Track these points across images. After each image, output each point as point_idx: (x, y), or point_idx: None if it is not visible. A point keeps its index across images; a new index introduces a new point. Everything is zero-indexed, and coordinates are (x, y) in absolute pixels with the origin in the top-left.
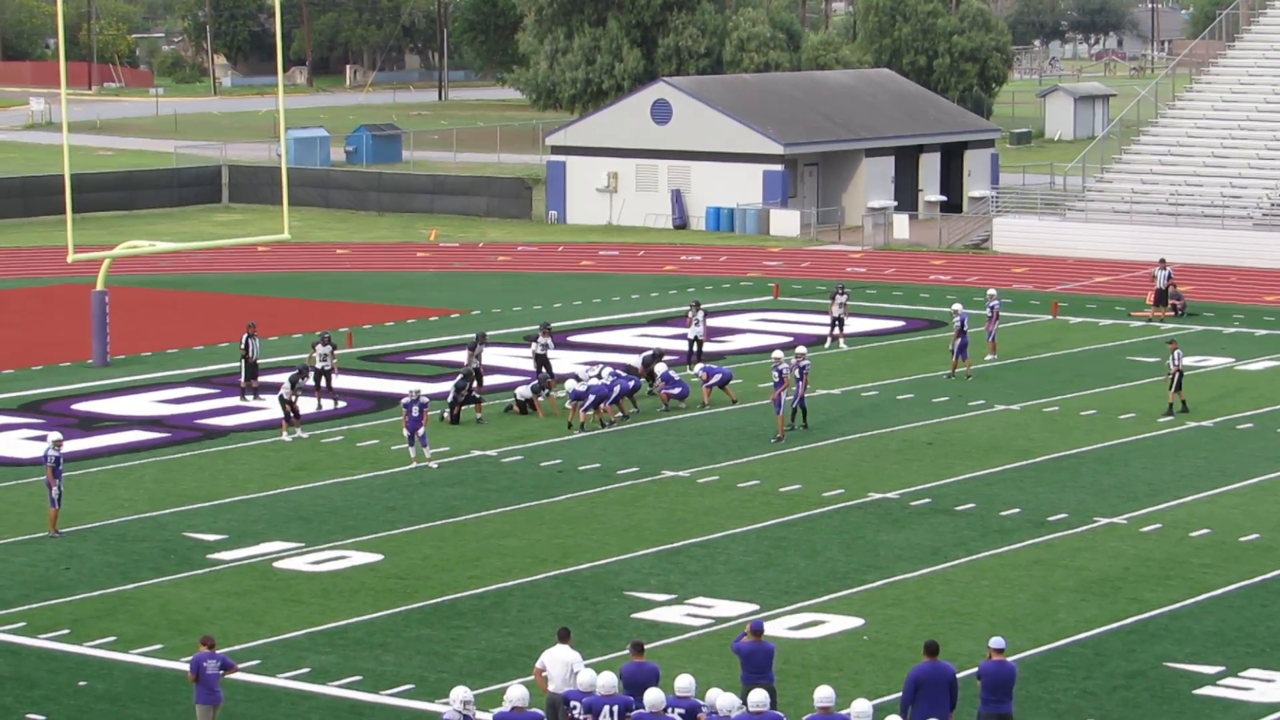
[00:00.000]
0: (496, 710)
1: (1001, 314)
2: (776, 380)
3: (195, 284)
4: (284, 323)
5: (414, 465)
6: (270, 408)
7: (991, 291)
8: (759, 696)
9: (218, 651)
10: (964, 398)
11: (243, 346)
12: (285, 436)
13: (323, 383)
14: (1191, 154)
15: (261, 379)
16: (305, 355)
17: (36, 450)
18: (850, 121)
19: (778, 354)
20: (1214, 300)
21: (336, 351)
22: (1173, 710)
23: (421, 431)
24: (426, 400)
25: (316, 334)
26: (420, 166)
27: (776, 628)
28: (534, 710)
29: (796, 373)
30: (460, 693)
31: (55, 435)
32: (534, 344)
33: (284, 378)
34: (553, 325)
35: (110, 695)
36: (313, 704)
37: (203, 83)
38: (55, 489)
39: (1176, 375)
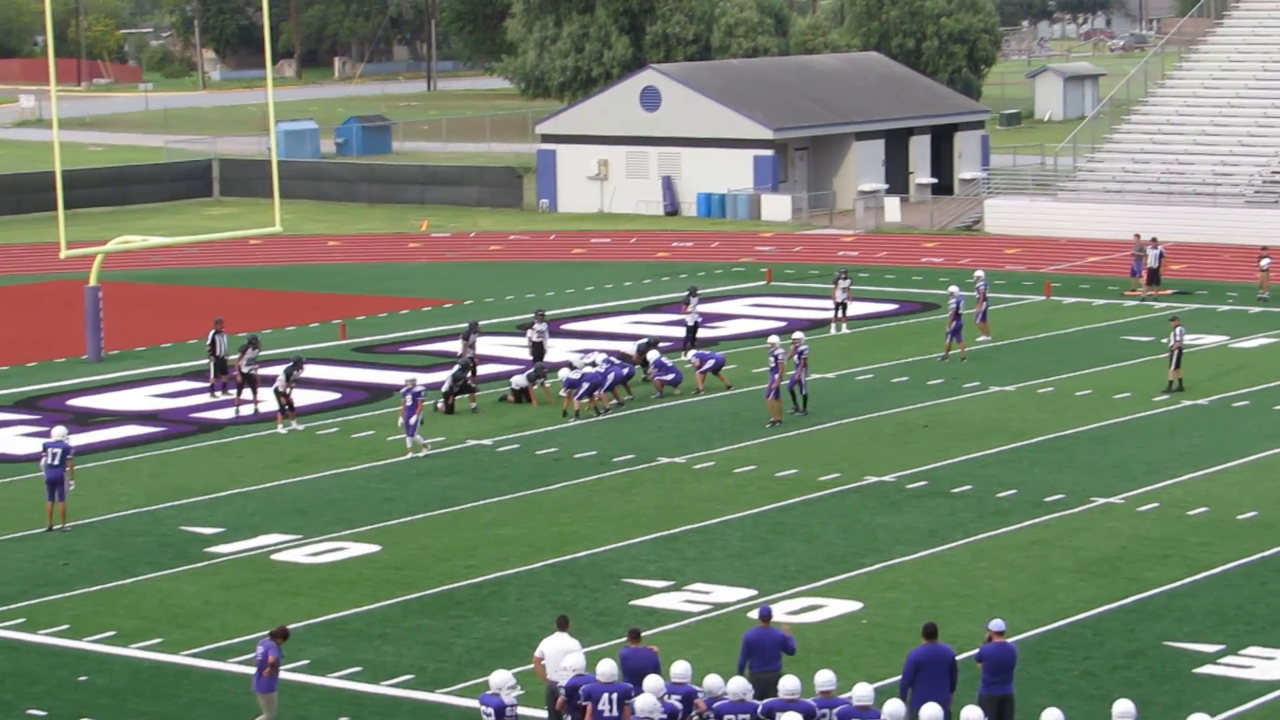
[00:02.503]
0: (483, 694)
1: (993, 295)
2: (772, 366)
3: (188, 278)
4: (277, 316)
5: (409, 456)
6: (265, 400)
7: (978, 273)
8: (791, 684)
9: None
10: (959, 380)
11: (209, 343)
12: (281, 429)
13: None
14: (1182, 132)
15: (263, 371)
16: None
17: (33, 446)
18: (840, 105)
19: (773, 339)
20: (1207, 278)
21: (262, 354)
22: (1173, 689)
23: (414, 421)
24: (421, 390)
25: (244, 336)
26: (410, 157)
27: (775, 613)
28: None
29: (795, 358)
30: (502, 677)
31: (62, 428)
32: (530, 331)
33: (279, 370)
34: (546, 313)
35: (111, 690)
36: (313, 695)
37: (191, 77)
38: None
39: (1177, 352)
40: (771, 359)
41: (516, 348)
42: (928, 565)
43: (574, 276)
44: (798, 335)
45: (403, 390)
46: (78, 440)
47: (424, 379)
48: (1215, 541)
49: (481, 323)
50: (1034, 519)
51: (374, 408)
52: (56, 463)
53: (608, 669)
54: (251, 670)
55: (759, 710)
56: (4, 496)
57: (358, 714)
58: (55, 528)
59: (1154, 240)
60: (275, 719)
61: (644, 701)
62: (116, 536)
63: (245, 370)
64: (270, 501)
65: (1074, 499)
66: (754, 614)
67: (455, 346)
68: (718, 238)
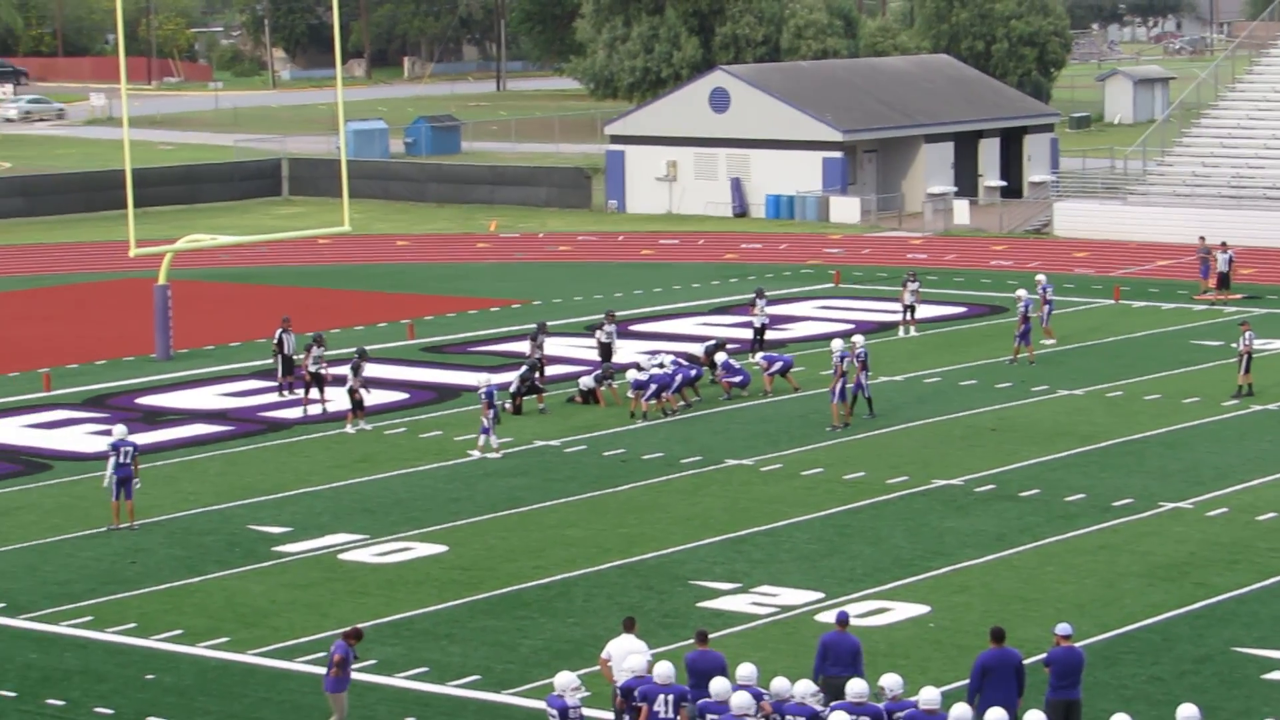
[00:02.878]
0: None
1: (1062, 299)
2: (836, 370)
3: (256, 277)
4: (345, 315)
5: (479, 455)
6: (333, 400)
7: (1040, 277)
8: (858, 687)
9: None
10: (1027, 383)
11: (276, 342)
12: (350, 428)
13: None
14: (1253, 136)
15: (330, 371)
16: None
17: (100, 444)
18: (909, 107)
19: (836, 343)
20: (1277, 283)
21: (328, 353)
22: (1241, 695)
23: (487, 421)
24: (494, 389)
25: (310, 336)
26: (479, 157)
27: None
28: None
29: (855, 362)
30: (567, 678)
31: (123, 427)
32: (598, 332)
33: (346, 369)
34: (615, 314)
35: (177, 688)
36: (379, 695)
37: (261, 76)
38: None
39: (1246, 356)
40: (835, 362)
41: (584, 348)
42: (995, 569)
43: (642, 278)
44: (856, 339)
45: (481, 390)
46: (147, 439)
47: (495, 379)
48: None
49: (549, 323)
50: (1102, 523)
51: (442, 408)
52: (128, 460)
53: (665, 670)
54: (320, 670)
55: (824, 713)
56: (72, 494)
57: (424, 714)
58: (122, 526)
59: (1223, 244)
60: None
61: (739, 699)
62: (184, 535)
63: (312, 369)
64: (338, 501)
65: (1142, 503)
66: (830, 617)
67: (523, 347)
68: (786, 239)
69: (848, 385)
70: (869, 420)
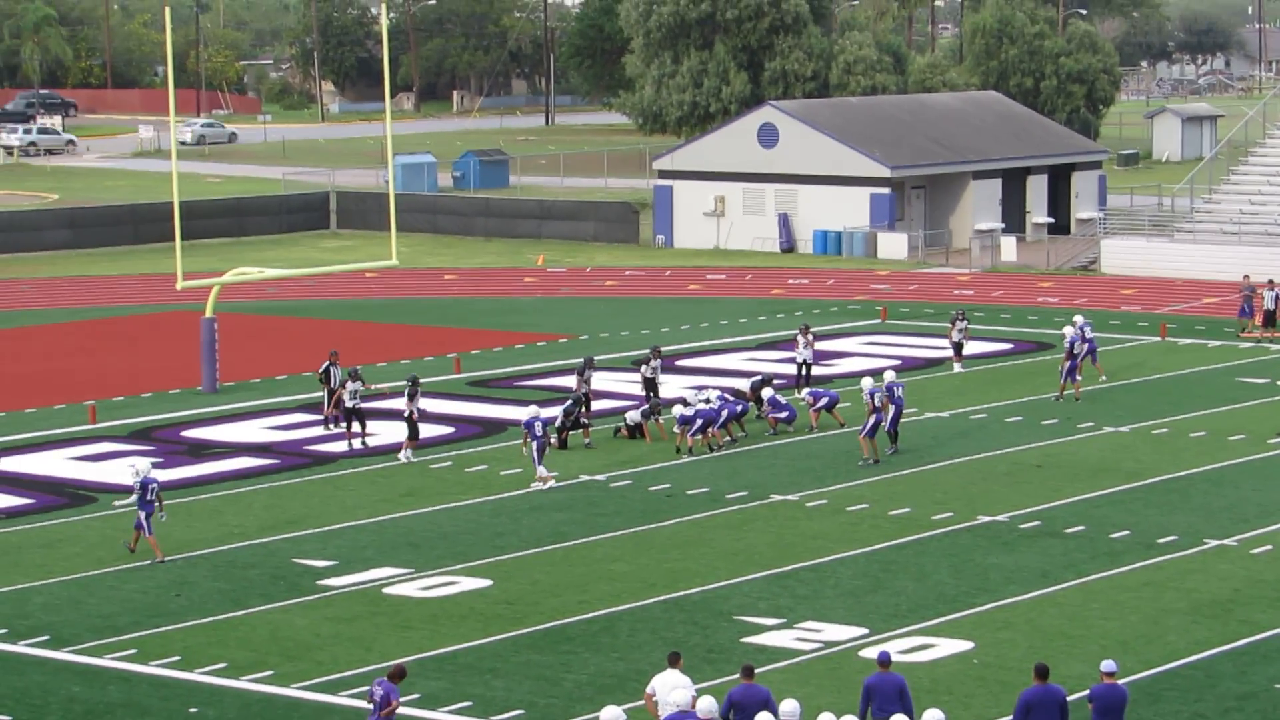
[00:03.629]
0: None
1: (1108, 335)
2: (871, 407)
3: (304, 310)
4: (392, 349)
5: (540, 486)
6: (376, 434)
7: (1077, 318)
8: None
9: (387, 680)
10: (1073, 420)
11: (322, 375)
12: (402, 457)
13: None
14: None
15: (367, 405)
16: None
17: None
18: (957, 144)
19: (866, 381)
20: None
21: (365, 386)
22: None
23: (534, 451)
24: (535, 421)
25: (345, 370)
26: (527, 191)
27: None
28: None
29: (887, 397)
30: (613, 713)
31: (143, 462)
32: (644, 367)
33: (401, 402)
34: (661, 349)
35: None
36: None
37: (310, 109)
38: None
39: None
40: (867, 399)
41: (630, 383)
42: (1039, 605)
43: (689, 312)
44: (888, 374)
45: (527, 420)
46: (192, 472)
47: (542, 413)
48: None
49: (596, 358)
50: (1146, 560)
51: (487, 441)
52: (152, 497)
53: (707, 705)
54: (365, 706)
55: None
56: (117, 527)
57: None
58: (148, 561)
59: (1270, 282)
60: None
61: (704, 703)
62: (229, 568)
63: (349, 405)
64: (382, 535)
65: (1187, 540)
66: (874, 653)
67: (570, 382)
68: (833, 275)
69: (882, 421)
70: (904, 456)
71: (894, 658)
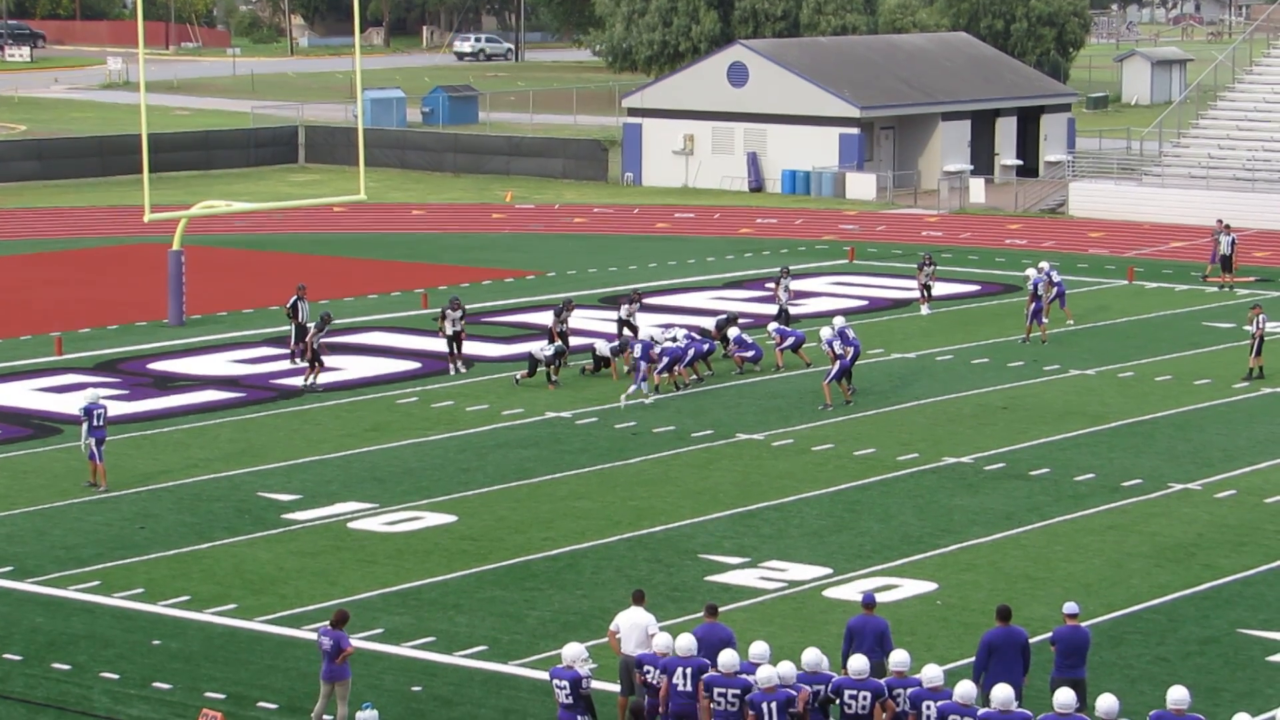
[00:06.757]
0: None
1: (1076, 279)
2: (833, 354)
3: (271, 244)
4: (359, 283)
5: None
6: (345, 369)
7: (1043, 263)
8: (859, 664)
9: (331, 629)
10: (1039, 362)
11: (289, 309)
12: (451, 369)
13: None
14: (1269, 119)
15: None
16: (435, 315)
17: (114, 410)
18: (927, 85)
19: (825, 330)
20: None
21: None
22: (1246, 676)
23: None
24: (650, 342)
25: (322, 309)
26: (496, 128)
27: (849, 591)
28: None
29: (843, 342)
30: (575, 650)
31: (94, 390)
32: (623, 309)
33: (453, 316)
34: (643, 296)
35: (184, 654)
36: (386, 664)
37: (279, 43)
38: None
39: (1258, 339)
40: (826, 348)
41: (602, 321)
42: (1003, 547)
43: (656, 251)
44: (837, 320)
45: (637, 353)
46: (158, 404)
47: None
48: None
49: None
50: (1111, 503)
51: (454, 378)
52: (101, 423)
53: (686, 644)
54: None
55: (828, 688)
56: (81, 459)
57: (430, 684)
58: (100, 487)
59: (1226, 226)
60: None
61: (765, 673)
62: (194, 501)
63: (315, 347)
64: (348, 469)
65: (1151, 484)
66: (839, 593)
67: (543, 319)
68: (801, 215)
69: (848, 366)
70: (862, 398)
71: (858, 598)
